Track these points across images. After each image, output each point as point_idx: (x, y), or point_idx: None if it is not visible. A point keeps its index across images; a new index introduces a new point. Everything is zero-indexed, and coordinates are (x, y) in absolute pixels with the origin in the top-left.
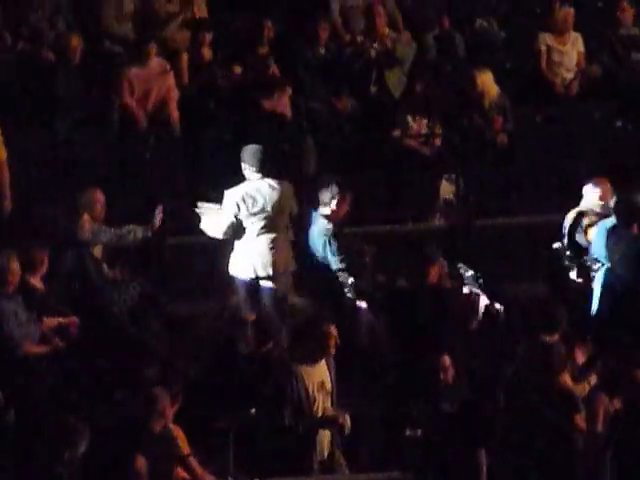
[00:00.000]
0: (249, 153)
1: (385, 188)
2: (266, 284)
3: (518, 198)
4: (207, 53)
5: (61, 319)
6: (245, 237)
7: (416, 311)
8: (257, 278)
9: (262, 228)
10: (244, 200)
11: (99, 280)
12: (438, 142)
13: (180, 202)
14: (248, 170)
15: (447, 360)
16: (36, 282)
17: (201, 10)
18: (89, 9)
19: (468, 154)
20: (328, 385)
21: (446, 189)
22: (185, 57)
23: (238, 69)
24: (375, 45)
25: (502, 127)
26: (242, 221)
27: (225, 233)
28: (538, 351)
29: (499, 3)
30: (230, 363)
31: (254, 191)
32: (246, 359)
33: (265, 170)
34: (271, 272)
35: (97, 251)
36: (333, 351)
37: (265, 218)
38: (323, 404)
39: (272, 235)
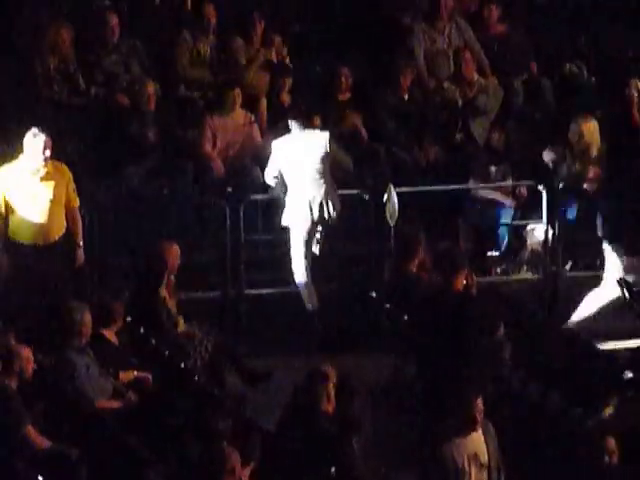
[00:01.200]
0: None
1: (473, 240)
2: None
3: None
4: (286, 98)
5: (135, 373)
6: None
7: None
8: None
9: None
10: None
11: (174, 333)
12: (524, 192)
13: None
14: None
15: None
16: (110, 335)
17: (281, 54)
18: (164, 53)
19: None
20: (483, 457)
21: (534, 240)
22: (264, 103)
23: (317, 120)
24: (460, 93)
25: (597, 177)
26: None
27: None
28: None
29: (589, 48)
30: (310, 421)
31: None
32: (327, 418)
33: None
34: None
35: (172, 304)
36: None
37: None
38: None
39: None
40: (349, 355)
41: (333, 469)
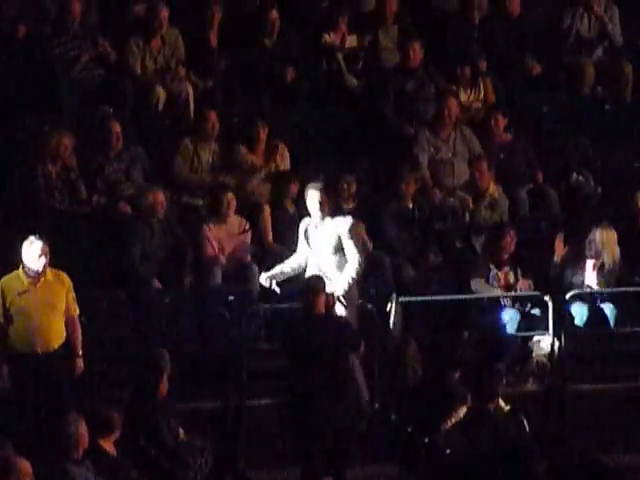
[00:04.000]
0: None
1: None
2: None
3: (613, 363)
4: (290, 207)
5: None
6: None
7: None
8: None
9: None
10: None
11: (174, 444)
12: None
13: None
14: None
15: None
16: (108, 446)
17: (284, 162)
18: (165, 161)
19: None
20: None
21: (539, 351)
22: (268, 211)
23: None
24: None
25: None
26: None
27: None
28: None
29: (595, 157)
30: None
31: None
32: None
33: None
34: None
35: (171, 414)
36: None
37: None
38: None
39: None
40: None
41: None
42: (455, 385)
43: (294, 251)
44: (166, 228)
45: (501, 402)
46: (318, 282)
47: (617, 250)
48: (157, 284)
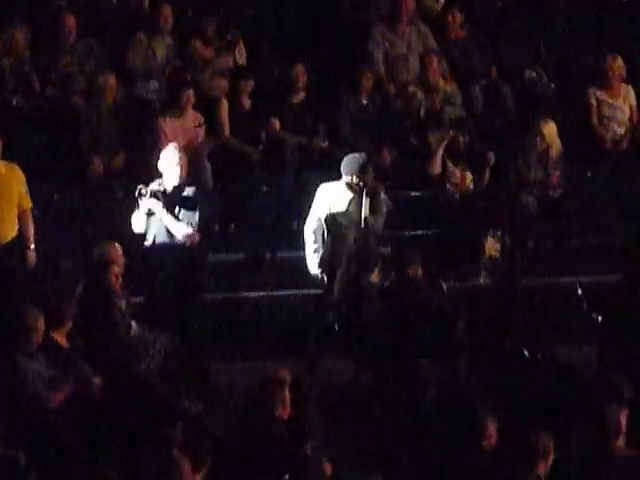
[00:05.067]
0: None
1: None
2: None
3: (566, 257)
4: (247, 102)
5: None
6: None
7: None
8: None
9: None
10: None
11: (127, 336)
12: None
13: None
14: None
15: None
16: (60, 339)
17: (241, 56)
18: (120, 53)
19: (517, 210)
20: None
21: (491, 246)
22: (225, 105)
23: (276, 124)
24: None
25: (558, 182)
26: None
27: None
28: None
29: (549, 54)
30: (264, 427)
31: None
32: (281, 423)
33: None
34: None
35: (124, 307)
36: None
37: None
38: None
39: None
40: (302, 359)
41: (287, 476)
42: None
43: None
44: (116, 115)
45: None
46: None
47: (558, 142)
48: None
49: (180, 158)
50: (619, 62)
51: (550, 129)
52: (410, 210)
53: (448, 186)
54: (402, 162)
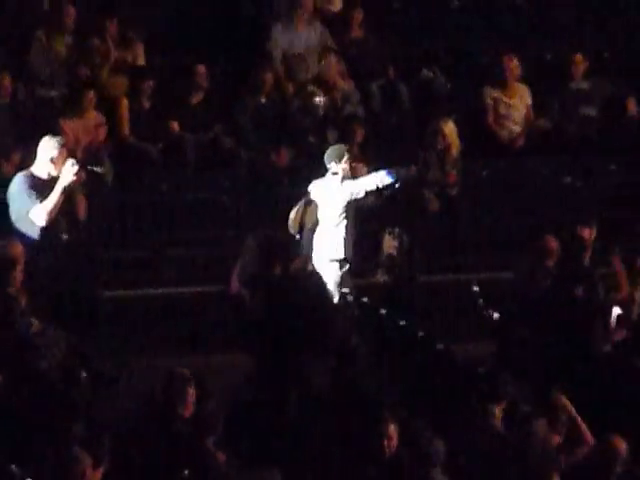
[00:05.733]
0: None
1: None
2: None
3: (463, 254)
4: (147, 102)
5: None
6: None
7: None
8: None
9: None
10: None
11: (26, 332)
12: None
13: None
14: None
15: None
16: None
17: (139, 57)
18: (19, 51)
19: (415, 208)
20: None
21: (389, 244)
22: (125, 104)
23: (175, 125)
24: (323, 99)
25: (456, 181)
26: None
27: None
28: None
29: (446, 54)
30: (166, 423)
31: None
32: (182, 419)
33: None
34: None
35: (24, 302)
36: None
37: None
38: None
39: None
40: (203, 355)
41: (187, 471)
42: None
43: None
44: (14, 114)
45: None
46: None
47: (457, 141)
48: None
49: (57, 156)
50: (515, 62)
51: (450, 128)
52: None
53: None
54: (301, 160)
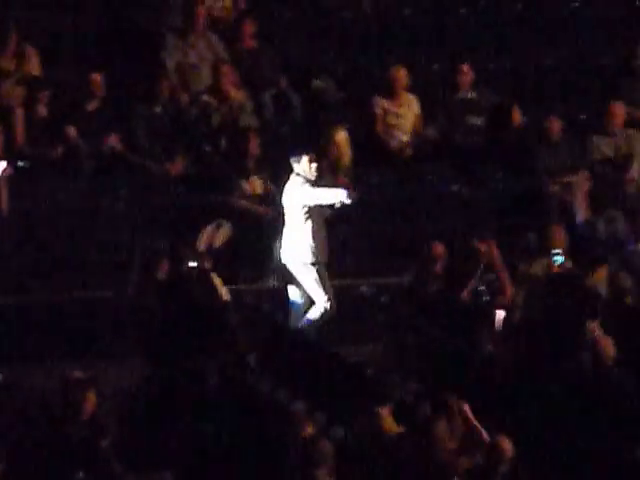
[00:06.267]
0: None
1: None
2: None
3: (354, 260)
4: (43, 111)
5: None
6: None
7: None
8: None
9: None
10: None
11: None
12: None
13: None
14: None
15: None
16: None
17: (34, 66)
18: None
19: None
20: None
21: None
22: (20, 114)
23: (72, 131)
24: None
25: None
26: None
27: None
28: None
29: (336, 64)
30: (60, 426)
31: None
32: (77, 422)
33: None
34: None
35: None
36: None
37: None
38: None
39: None
40: (98, 359)
41: (81, 473)
42: None
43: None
44: None
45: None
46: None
47: (349, 150)
48: None
49: None
50: (403, 72)
51: (342, 137)
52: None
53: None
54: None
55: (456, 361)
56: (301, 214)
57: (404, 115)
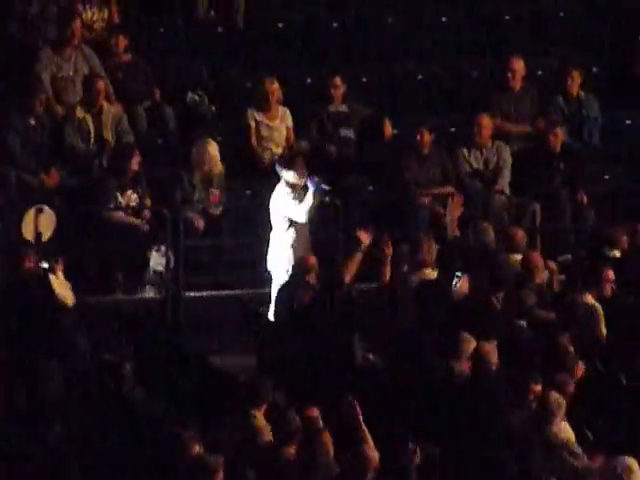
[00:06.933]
0: None
1: (96, 260)
2: None
3: (227, 271)
4: None
5: None
6: None
7: None
8: None
9: None
10: None
11: None
12: (148, 214)
13: None
14: None
15: None
16: None
17: None
18: None
19: (180, 227)
20: None
21: (156, 261)
22: None
23: None
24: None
25: (219, 200)
26: None
27: None
28: None
29: (210, 78)
30: None
31: None
32: None
33: None
34: None
35: None
36: None
37: None
38: None
39: None
40: None
41: None
42: None
43: None
44: None
45: None
46: None
47: (219, 162)
48: None
49: None
50: (276, 85)
51: (212, 150)
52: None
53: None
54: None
55: (330, 369)
56: (284, 223)
57: (277, 127)
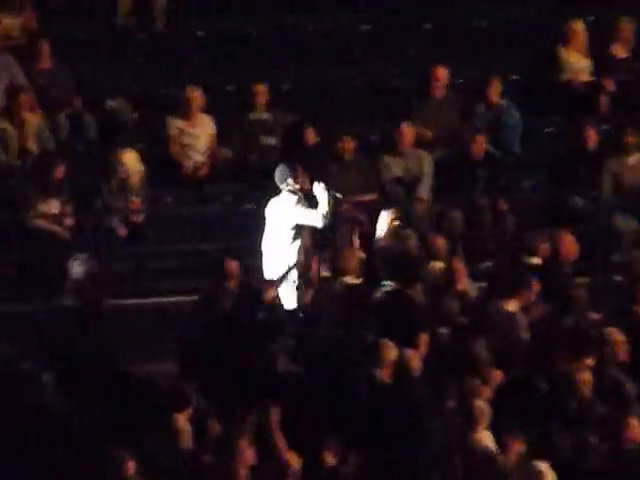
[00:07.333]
0: None
1: (14, 267)
2: None
3: (150, 279)
4: None
5: None
6: None
7: None
8: None
9: None
10: None
11: None
12: (70, 222)
13: None
14: None
15: None
16: None
17: None
18: None
19: (101, 235)
20: None
21: (76, 269)
22: None
23: None
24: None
25: (139, 208)
26: None
27: None
28: None
29: (129, 85)
30: None
31: None
32: None
33: None
34: None
35: None
36: None
37: None
38: None
39: None
40: None
41: None
42: None
43: None
44: None
45: None
46: None
47: (140, 169)
48: None
49: None
50: (198, 93)
51: (130, 158)
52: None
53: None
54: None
55: (250, 377)
56: (291, 232)
57: (199, 135)
